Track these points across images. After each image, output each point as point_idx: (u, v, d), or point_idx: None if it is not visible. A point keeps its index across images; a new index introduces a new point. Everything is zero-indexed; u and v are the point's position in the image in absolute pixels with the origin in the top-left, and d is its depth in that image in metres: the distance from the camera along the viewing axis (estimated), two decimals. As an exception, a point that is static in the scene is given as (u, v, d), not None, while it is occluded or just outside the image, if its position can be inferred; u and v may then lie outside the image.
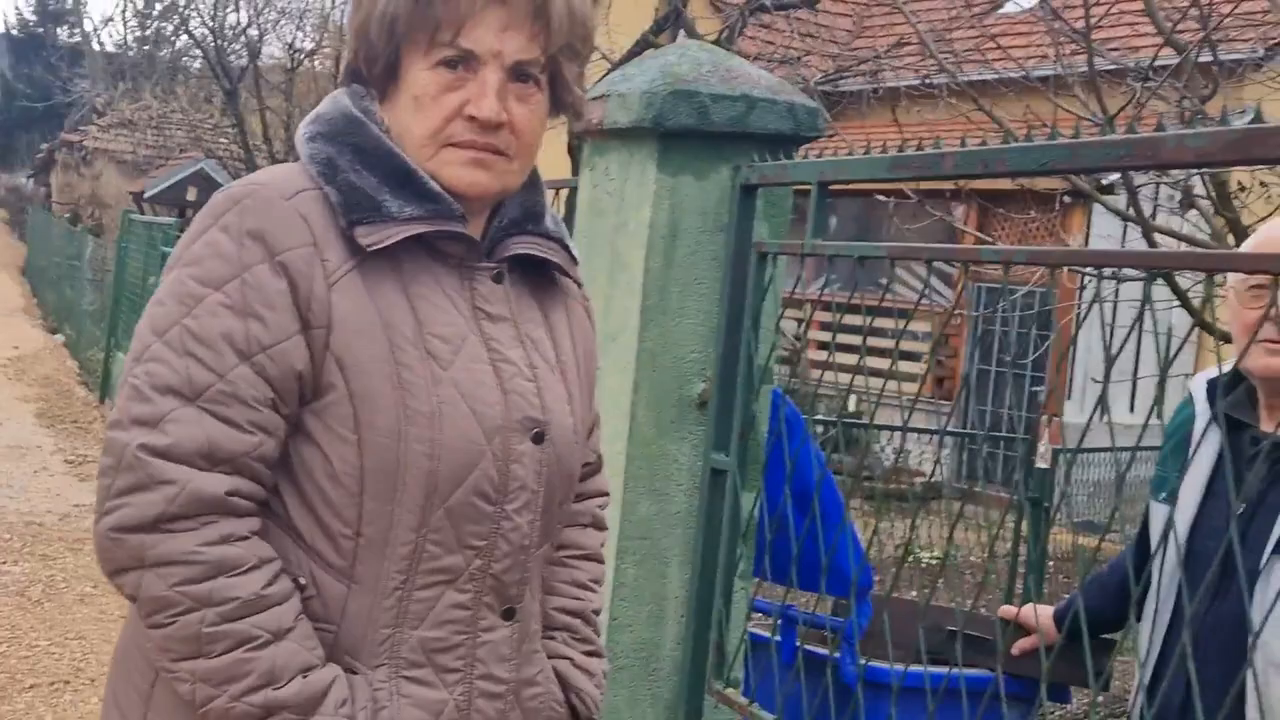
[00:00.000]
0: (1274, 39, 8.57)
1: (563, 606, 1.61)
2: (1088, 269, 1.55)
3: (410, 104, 1.42)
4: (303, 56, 15.37)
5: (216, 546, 1.32)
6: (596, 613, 1.65)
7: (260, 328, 1.34)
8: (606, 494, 1.73)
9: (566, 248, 1.55)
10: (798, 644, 2.55)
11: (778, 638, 2.28)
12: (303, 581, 1.38)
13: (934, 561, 7.78)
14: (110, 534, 1.32)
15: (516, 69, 1.41)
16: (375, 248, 1.38)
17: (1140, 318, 1.47)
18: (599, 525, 1.70)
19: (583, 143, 2.58)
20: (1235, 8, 4.93)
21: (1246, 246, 2.08)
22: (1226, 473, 1.98)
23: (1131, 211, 4.39)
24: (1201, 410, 2.16)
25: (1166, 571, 2.10)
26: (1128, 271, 4.39)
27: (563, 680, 1.56)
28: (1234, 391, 2.12)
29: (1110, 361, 1.59)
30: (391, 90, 1.44)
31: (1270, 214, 4.06)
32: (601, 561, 1.69)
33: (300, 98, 15.16)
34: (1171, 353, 1.46)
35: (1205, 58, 4.37)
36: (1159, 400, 1.53)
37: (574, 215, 2.57)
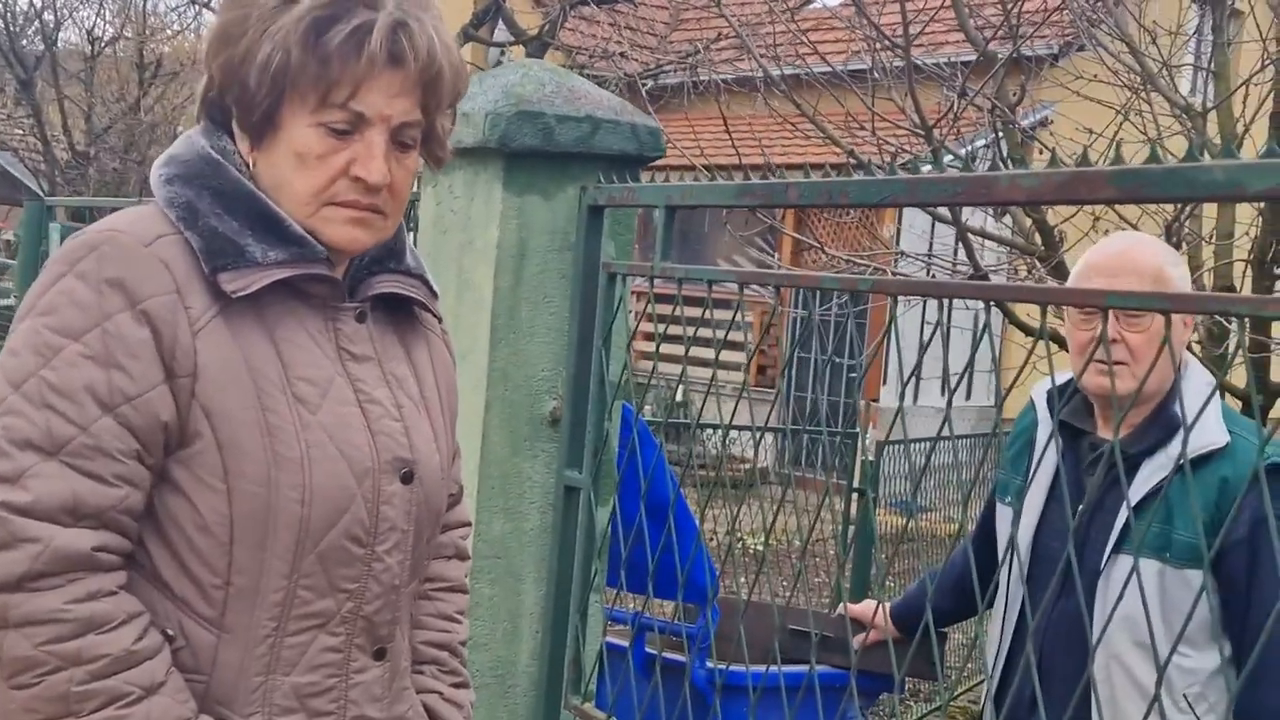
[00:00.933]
0: (1069, 35, 9.03)
1: (430, 640, 1.61)
2: (928, 297, 1.63)
3: (292, 159, 1.39)
4: (103, 44, 14.70)
5: (84, 604, 1.29)
6: (463, 644, 1.66)
7: (123, 378, 1.31)
8: (469, 524, 1.75)
9: (427, 283, 1.56)
10: (651, 650, 2.61)
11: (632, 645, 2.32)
12: (171, 633, 1.36)
13: (760, 548, 7.98)
14: None
15: (399, 131, 1.41)
16: (240, 294, 1.36)
17: (976, 341, 1.55)
18: (462, 556, 1.70)
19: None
20: (1042, 5, 5.19)
21: (1076, 269, 2.21)
22: (1066, 478, 2.12)
23: (944, 210, 4.58)
24: (1043, 417, 2.30)
25: (1013, 572, 2.22)
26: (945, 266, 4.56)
27: (432, 714, 1.57)
28: (1072, 400, 2.26)
29: (922, 349, 1.67)
30: (268, 139, 1.40)
31: (1074, 216, 4.30)
32: (466, 592, 1.70)
33: (101, 87, 14.50)
34: (982, 346, 1.55)
35: (1006, 51, 4.58)
36: (951, 390, 1.62)
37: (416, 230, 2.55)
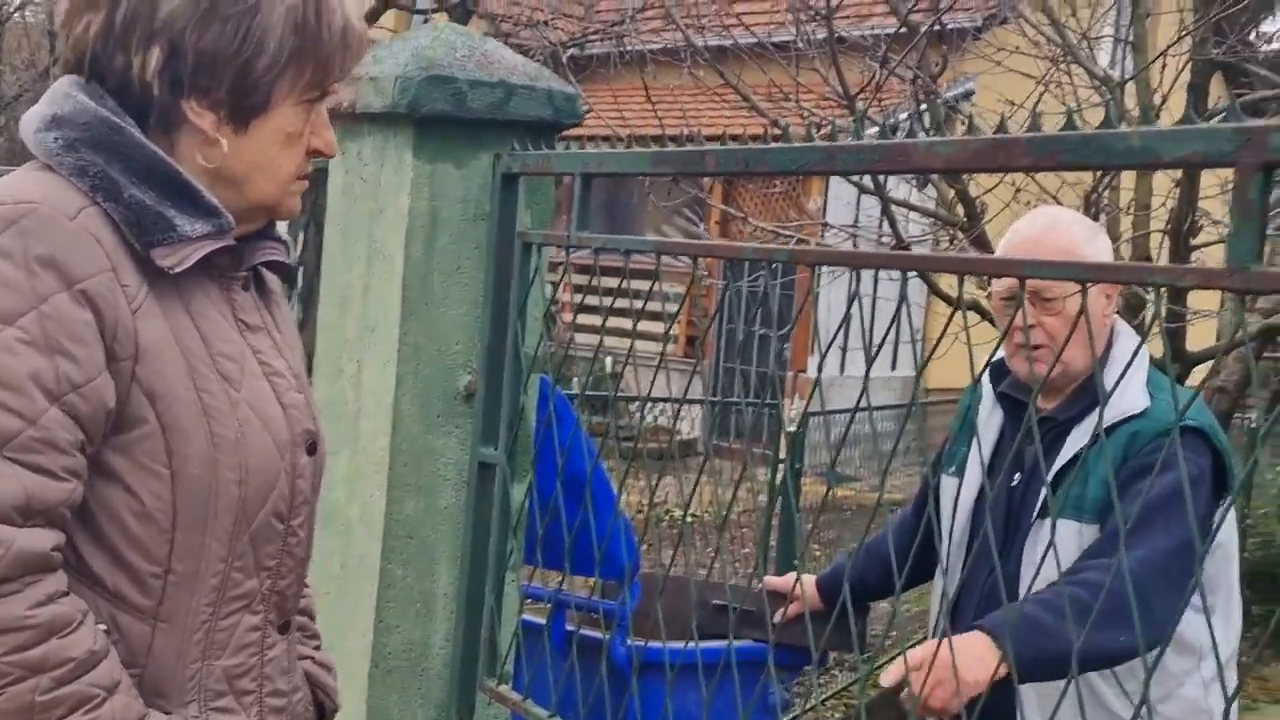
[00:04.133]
0: (991, 8, 9.08)
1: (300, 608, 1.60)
2: (845, 267, 1.61)
3: (280, 140, 1.37)
4: (12, 9, 14.24)
5: (45, 607, 1.24)
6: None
7: (69, 365, 1.24)
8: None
9: (289, 248, 1.54)
10: (569, 628, 2.56)
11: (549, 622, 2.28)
12: (103, 628, 1.31)
13: (693, 519, 7.99)
14: None
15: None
16: (176, 269, 1.31)
17: (897, 313, 1.52)
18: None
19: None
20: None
21: (1000, 247, 2.23)
22: (1006, 448, 2.15)
23: (867, 181, 4.58)
24: (988, 391, 2.33)
25: (955, 540, 2.26)
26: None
27: (310, 680, 1.57)
28: (1010, 373, 2.29)
29: (844, 321, 1.64)
30: (257, 121, 1.36)
31: (995, 188, 4.31)
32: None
33: (10, 53, 14.05)
34: (903, 317, 1.53)
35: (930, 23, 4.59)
36: (870, 361, 1.61)
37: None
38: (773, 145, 1.61)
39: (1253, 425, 7.50)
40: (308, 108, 1.39)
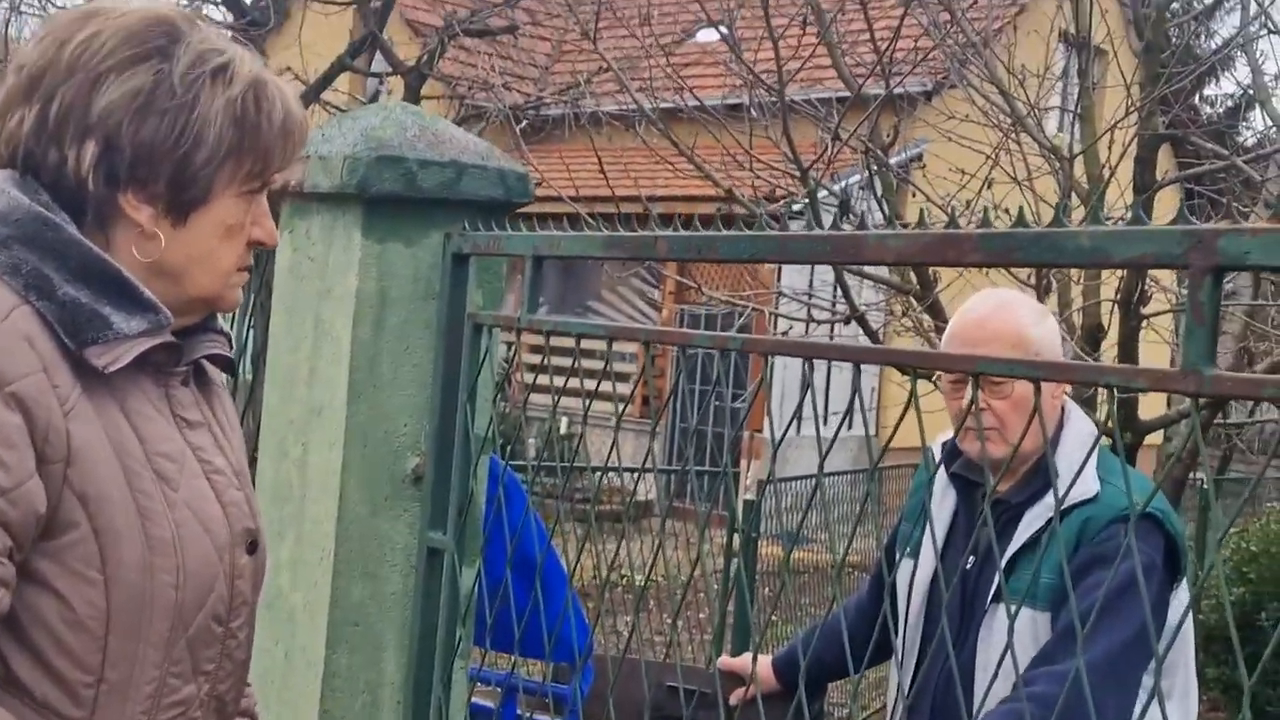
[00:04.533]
0: (942, 75, 9.22)
1: (242, 709, 1.55)
2: (798, 357, 1.60)
3: (221, 232, 1.35)
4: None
5: None
6: None
7: None
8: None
9: (231, 341, 1.52)
10: (520, 713, 2.51)
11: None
12: None
13: (650, 584, 7.91)
14: None
15: None
16: (111, 368, 1.27)
17: (849, 405, 1.51)
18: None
19: (280, 202, 2.46)
20: (913, 45, 5.26)
21: (945, 337, 2.24)
22: (960, 530, 2.14)
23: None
24: (940, 472, 2.32)
25: (911, 624, 2.23)
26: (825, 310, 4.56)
27: None
28: (964, 454, 2.28)
29: (796, 412, 1.63)
30: (196, 213, 1.33)
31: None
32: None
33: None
34: (864, 385, 1.52)
35: (880, 90, 4.63)
36: (823, 456, 1.59)
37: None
38: (724, 233, 1.60)
39: (1204, 486, 7.57)
40: (249, 199, 1.37)
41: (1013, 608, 2.05)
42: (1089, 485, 2.11)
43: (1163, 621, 1.95)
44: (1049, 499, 2.14)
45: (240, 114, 1.33)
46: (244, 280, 1.42)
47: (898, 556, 2.39)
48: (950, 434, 2.38)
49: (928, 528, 2.22)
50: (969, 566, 2.22)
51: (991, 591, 2.15)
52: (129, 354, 1.29)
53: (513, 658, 2.08)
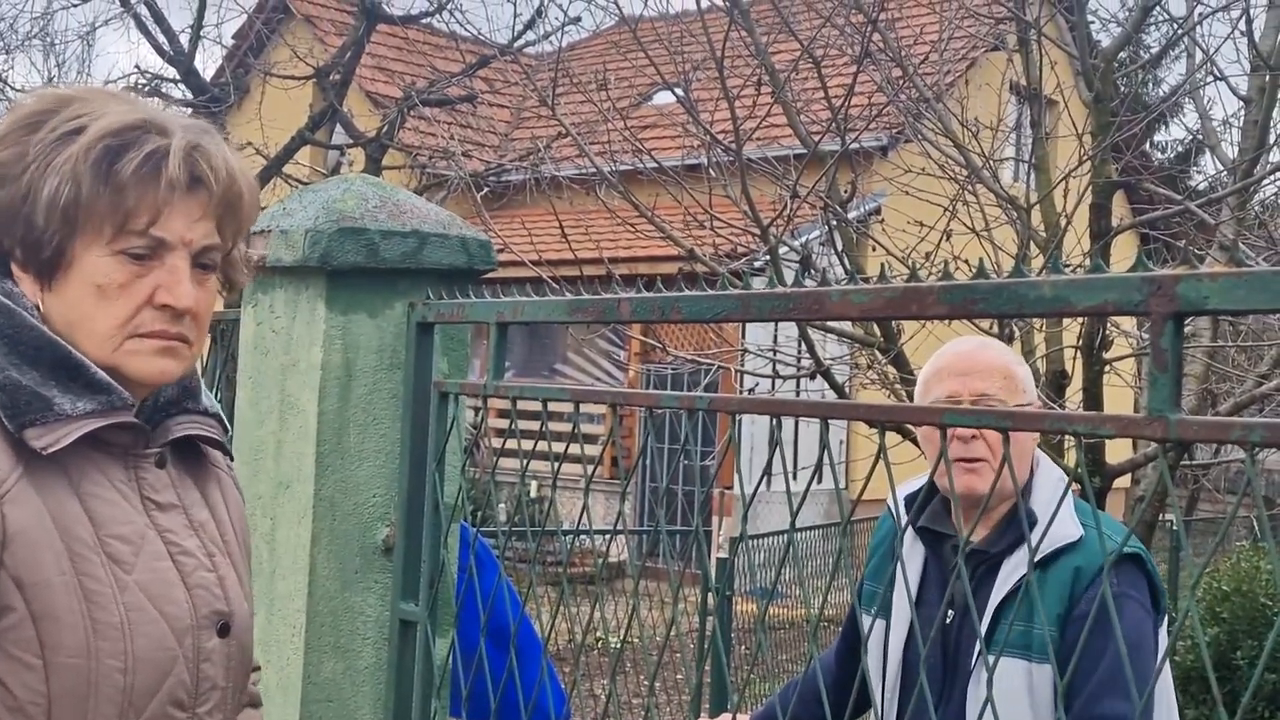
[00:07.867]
0: (897, 130, 9.34)
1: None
2: (765, 414, 1.60)
3: (92, 293, 1.30)
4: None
5: None
6: None
7: None
8: (258, 667, 1.66)
9: (223, 422, 1.49)
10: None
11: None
12: None
13: (625, 645, 7.85)
14: None
15: (200, 255, 1.35)
16: (51, 450, 1.25)
17: (819, 461, 1.51)
18: (255, 703, 1.62)
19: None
20: (868, 101, 5.33)
21: (927, 370, 2.24)
22: (932, 583, 2.11)
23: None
24: (904, 524, 2.28)
25: (888, 685, 2.20)
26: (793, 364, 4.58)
27: None
28: (929, 505, 2.25)
29: (766, 470, 1.62)
30: (60, 276, 1.31)
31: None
32: None
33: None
34: (832, 432, 1.51)
35: (836, 146, 4.69)
36: (794, 513, 1.59)
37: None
38: (687, 293, 1.61)
39: (1174, 528, 7.60)
40: (128, 259, 1.30)
41: (991, 659, 2.05)
42: (1069, 529, 2.10)
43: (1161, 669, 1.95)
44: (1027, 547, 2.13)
45: (84, 167, 1.28)
46: (155, 348, 1.33)
47: (861, 616, 2.35)
48: (911, 486, 2.36)
49: (898, 585, 2.19)
50: (948, 620, 2.20)
51: (977, 645, 2.12)
52: (70, 435, 1.27)
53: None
